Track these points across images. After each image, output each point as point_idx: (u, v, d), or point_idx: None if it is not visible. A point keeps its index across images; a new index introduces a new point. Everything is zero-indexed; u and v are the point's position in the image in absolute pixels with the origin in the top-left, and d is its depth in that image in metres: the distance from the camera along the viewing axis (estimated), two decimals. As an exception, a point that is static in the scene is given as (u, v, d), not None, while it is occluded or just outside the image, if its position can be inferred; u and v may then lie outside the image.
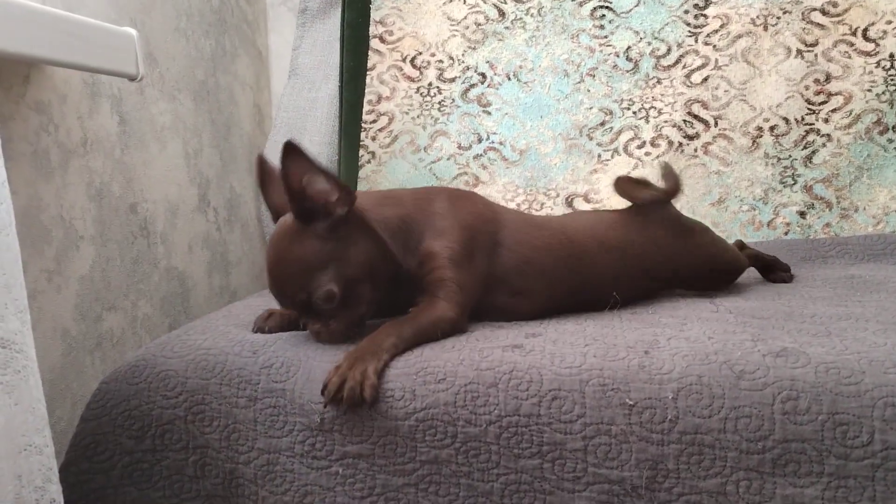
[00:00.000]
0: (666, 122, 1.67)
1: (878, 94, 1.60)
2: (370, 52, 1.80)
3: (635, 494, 0.82)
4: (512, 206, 1.72)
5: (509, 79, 1.76)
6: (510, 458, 0.84)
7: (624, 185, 1.25)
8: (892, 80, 1.60)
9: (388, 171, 1.76)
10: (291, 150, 0.88)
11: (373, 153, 1.78)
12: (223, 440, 0.91)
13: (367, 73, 1.80)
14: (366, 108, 1.80)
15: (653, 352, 0.88)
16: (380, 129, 1.79)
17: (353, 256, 0.94)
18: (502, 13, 1.78)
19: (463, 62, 1.78)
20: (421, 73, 1.79)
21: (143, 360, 0.97)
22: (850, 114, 1.61)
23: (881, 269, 1.39)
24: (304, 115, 1.88)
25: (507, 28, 1.77)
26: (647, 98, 1.69)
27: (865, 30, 1.63)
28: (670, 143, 1.67)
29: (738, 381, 0.82)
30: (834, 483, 0.78)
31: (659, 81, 1.69)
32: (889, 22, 1.62)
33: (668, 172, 1.26)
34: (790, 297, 1.18)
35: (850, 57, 1.63)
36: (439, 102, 1.77)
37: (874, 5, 1.63)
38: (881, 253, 1.49)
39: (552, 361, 0.88)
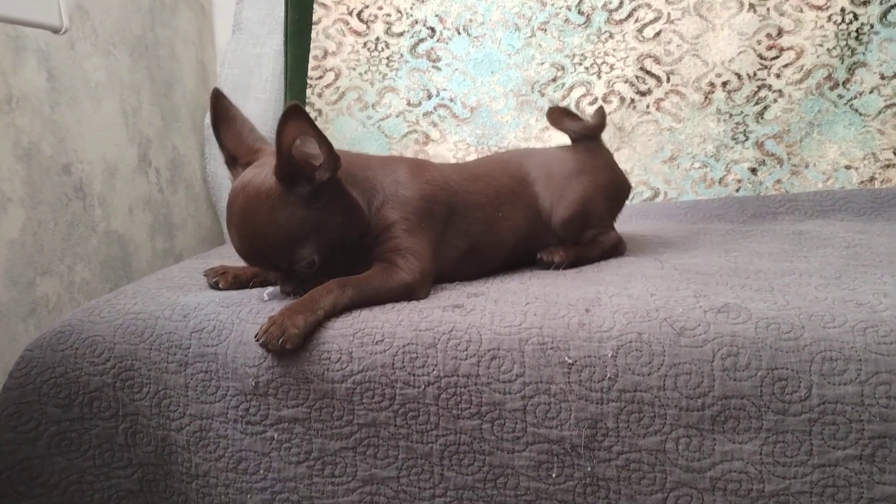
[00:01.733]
0: (618, 77, 1.65)
1: (828, 49, 1.59)
2: (315, 6, 1.74)
3: (575, 453, 0.80)
4: (463, 164, 1.69)
5: (459, 33, 1.71)
6: (449, 419, 0.82)
7: (556, 114, 1.24)
8: (842, 34, 1.59)
9: (335, 129, 1.71)
10: (295, 111, 0.84)
11: (319, 110, 1.73)
12: (154, 407, 0.88)
13: (313, 27, 1.74)
14: (311, 63, 1.74)
15: (594, 309, 0.87)
16: (326, 86, 1.74)
17: (333, 223, 0.91)
18: (452, -35, 1.72)
19: (411, 16, 1.72)
20: (368, 27, 1.74)
21: (69, 326, 0.93)
22: (802, 69, 1.60)
23: (829, 225, 1.39)
24: (250, 71, 1.81)
25: (456, -20, 1.72)
26: (599, 53, 1.66)
27: (815, -17, 1.61)
28: (622, 99, 1.64)
29: (678, 337, 0.81)
30: (772, 438, 0.78)
31: (611, 36, 1.66)
32: (841, -25, 1.60)
33: (597, 111, 1.24)
34: (737, 253, 1.17)
35: (801, 11, 1.61)
36: (387, 58, 1.72)
37: (826, -42, 1.62)
38: (830, 209, 1.50)
39: (492, 321, 0.85)
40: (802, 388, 0.78)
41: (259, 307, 0.91)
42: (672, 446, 0.80)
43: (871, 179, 1.53)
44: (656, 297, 0.89)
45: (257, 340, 0.83)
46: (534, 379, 0.81)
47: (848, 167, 1.56)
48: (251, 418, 0.85)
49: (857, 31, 1.59)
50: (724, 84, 1.62)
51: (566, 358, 0.81)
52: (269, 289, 0.97)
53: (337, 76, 1.74)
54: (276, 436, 0.85)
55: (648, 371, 0.80)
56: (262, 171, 0.89)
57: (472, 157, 1.68)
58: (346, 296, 0.89)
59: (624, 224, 1.48)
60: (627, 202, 1.61)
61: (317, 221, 0.90)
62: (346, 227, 0.93)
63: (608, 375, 0.80)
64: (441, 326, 0.85)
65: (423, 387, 0.83)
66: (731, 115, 1.61)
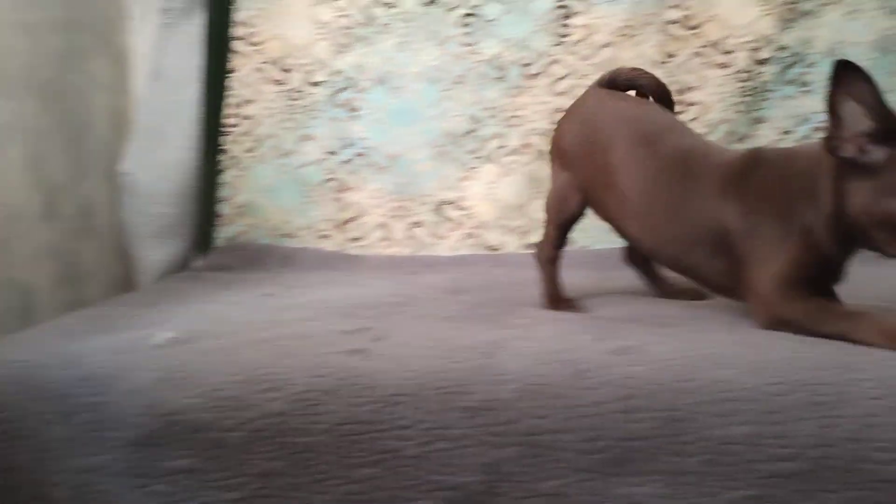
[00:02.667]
0: (532, 130, 1.68)
1: (731, 105, 1.66)
2: (233, 54, 1.74)
3: (474, 500, 0.79)
4: (380, 212, 1.69)
5: (378, 84, 1.73)
6: (345, 467, 0.80)
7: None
8: (743, 91, 1.66)
9: (251, 177, 1.70)
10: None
11: (235, 158, 1.72)
12: (34, 461, 0.83)
13: (230, 75, 1.73)
14: (229, 111, 1.73)
15: (497, 353, 0.86)
16: (243, 134, 1.72)
17: None
18: (371, 18, 1.74)
19: (331, 66, 1.74)
20: (287, 76, 1.74)
21: (-55, 376, 0.88)
22: (707, 123, 1.66)
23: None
24: (168, 118, 1.78)
25: (376, 33, 1.74)
26: (513, 106, 1.70)
27: (720, 43, 1.69)
28: (537, 151, 1.67)
29: (577, 380, 0.81)
30: (670, 480, 0.78)
31: (525, 90, 1.70)
32: (741, 36, 1.68)
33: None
34: (645, 299, 1.19)
35: (705, 68, 1.68)
36: (305, 106, 1.72)
37: (727, 19, 1.69)
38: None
39: (393, 365, 0.84)
40: (698, 430, 0.78)
41: (150, 353, 0.88)
42: (571, 490, 0.79)
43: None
44: (559, 340, 0.89)
45: None
46: (433, 425, 0.80)
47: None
48: (138, 471, 0.81)
49: (757, 88, 1.66)
50: (635, 137, 1.67)
51: (466, 402, 0.80)
52: (167, 334, 0.94)
53: (254, 124, 1.73)
54: (163, 489, 0.81)
55: (547, 414, 0.80)
56: None
57: (389, 207, 1.68)
58: None
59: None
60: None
61: None
62: None
63: (508, 419, 0.80)
64: (340, 373, 0.83)
65: (318, 435, 0.80)
66: (642, 167, 1.66)
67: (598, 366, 0.82)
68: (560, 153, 1.21)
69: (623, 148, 1.09)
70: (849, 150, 0.86)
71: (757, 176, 0.98)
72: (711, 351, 0.85)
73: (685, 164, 1.04)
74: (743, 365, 0.82)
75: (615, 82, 1.21)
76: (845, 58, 0.86)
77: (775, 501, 0.76)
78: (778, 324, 0.93)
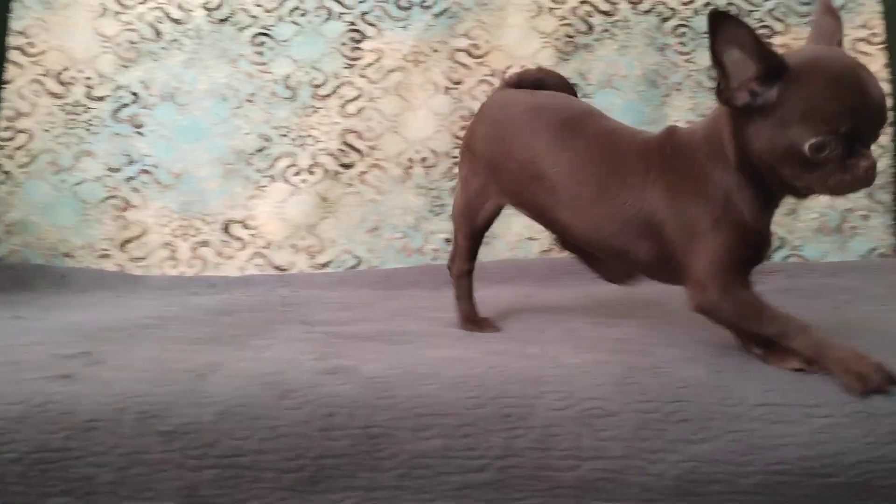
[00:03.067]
0: (322, 150, 1.70)
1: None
2: (8, 65, 1.66)
3: (169, 525, 0.78)
4: (164, 231, 1.65)
5: (164, 100, 1.69)
6: (35, 496, 0.78)
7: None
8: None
9: (25, 192, 1.63)
10: None
11: (8, 173, 1.63)
12: None
13: (4, 86, 1.65)
14: (2, 124, 1.64)
15: (210, 375, 0.86)
16: (17, 148, 1.65)
17: None
18: (158, 33, 1.71)
19: (114, 81, 1.69)
20: (67, 89, 1.67)
21: None
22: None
23: (505, 291, 1.49)
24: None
25: (163, 48, 1.71)
26: (304, 126, 1.71)
27: (504, 72, 1.77)
28: (326, 171, 1.69)
29: (280, 401, 0.82)
30: (366, 496, 0.80)
31: (316, 110, 1.72)
32: (523, 66, 1.77)
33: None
34: (404, 318, 1.23)
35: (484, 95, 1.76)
36: (86, 121, 1.67)
37: (511, 50, 1.78)
38: (514, 276, 1.61)
39: (95, 390, 0.82)
40: (394, 445, 0.81)
41: None
42: (269, 510, 0.80)
43: (549, 250, 1.67)
44: (276, 361, 0.90)
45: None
46: (129, 450, 0.79)
47: (531, 238, 1.70)
48: None
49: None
50: (423, 160, 1.72)
51: (165, 426, 0.80)
52: None
53: (29, 138, 1.65)
54: None
55: (247, 435, 0.80)
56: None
57: (173, 226, 1.65)
58: None
59: (327, 290, 1.52)
60: (332, 269, 1.66)
61: None
62: None
63: (206, 442, 0.80)
64: (35, 399, 0.81)
65: (7, 465, 0.77)
66: (429, 189, 1.71)
67: (304, 386, 0.84)
68: (472, 159, 1.17)
69: (546, 136, 1.06)
70: (741, 98, 0.87)
71: (672, 154, 0.97)
72: (419, 367, 0.88)
73: (609, 146, 1.02)
74: (442, 380, 0.86)
75: (521, 83, 1.18)
76: (717, 8, 0.90)
77: (467, 511, 0.81)
78: (710, 311, 0.93)
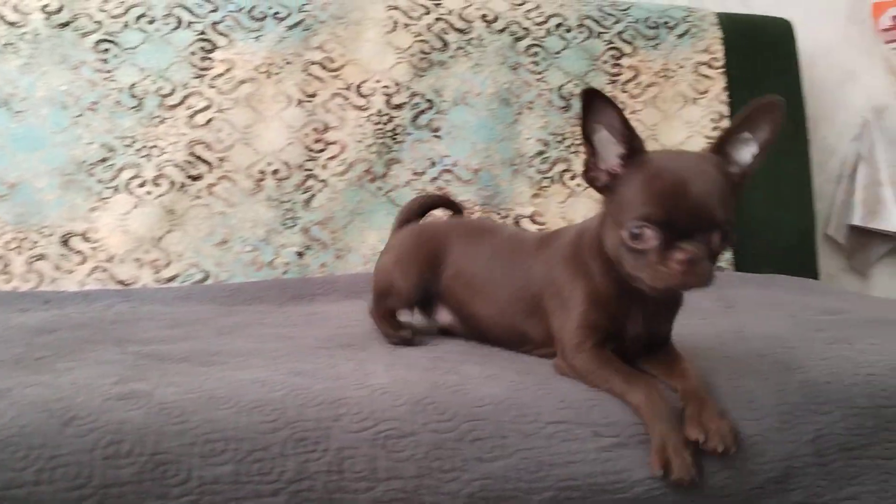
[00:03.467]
0: (168, 161, 1.66)
1: (368, 146, 1.75)
2: None
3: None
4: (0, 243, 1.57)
5: (-1, 106, 1.62)
6: None
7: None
8: (379, 133, 1.76)
9: None
10: None
11: None
12: None
13: None
14: None
15: (-4, 403, 0.82)
16: None
17: None
18: (-9, 35, 1.64)
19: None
20: None
21: None
22: (345, 162, 1.73)
23: (334, 306, 1.49)
24: None
25: (-3, 52, 1.63)
26: (150, 136, 1.66)
27: (359, 86, 1.78)
28: (172, 182, 1.65)
29: (63, 428, 0.80)
30: (154, 524, 0.79)
31: (163, 120, 1.67)
32: (378, 81, 1.78)
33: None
34: (230, 336, 1.20)
35: (345, 109, 1.76)
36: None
37: (366, 64, 1.79)
38: (364, 290, 1.61)
39: None
40: (183, 472, 0.80)
41: None
42: (48, 543, 0.77)
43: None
44: (72, 386, 0.87)
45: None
46: None
47: (385, 252, 1.71)
48: None
49: (392, 130, 1.77)
50: (275, 172, 1.70)
51: (-67, 459, 0.76)
52: None
53: None
54: None
55: (24, 466, 0.77)
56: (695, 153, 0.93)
57: (6, 238, 1.57)
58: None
59: (169, 306, 1.47)
60: (176, 284, 1.62)
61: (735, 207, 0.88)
62: None
63: (-20, 474, 0.76)
64: None
65: None
66: (280, 202, 1.69)
67: (91, 412, 0.81)
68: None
69: (459, 248, 1.16)
70: (602, 179, 0.90)
71: (561, 238, 1.05)
72: (217, 391, 0.87)
73: (513, 242, 1.14)
74: (239, 405, 0.85)
75: (410, 215, 1.33)
76: (590, 87, 0.90)
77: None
78: (570, 372, 0.96)
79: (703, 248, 0.84)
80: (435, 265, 1.17)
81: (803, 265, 2.00)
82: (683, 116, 1.94)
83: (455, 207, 1.40)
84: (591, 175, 0.91)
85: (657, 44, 1.96)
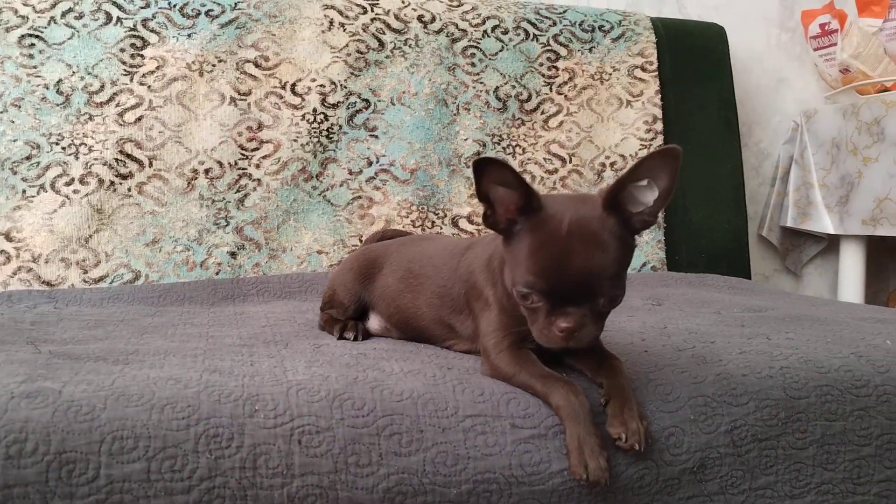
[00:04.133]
0: (97, 159, 1.62)
1: (303, 145, 1.73)
2: None
3: None
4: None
5: (-85, 102, 1.57)
6: None
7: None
8: (314, 132, 1.75)
9: None
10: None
11: None
12: None
13: None
14: None
15: None
16: None
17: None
18: None
19: None
20: None
21: None
22: (279, 161, 1.72)
23: (265, 306, 1.48)
24: None
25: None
26: (77, 134, 1.63)
27: (294, 84, 1.76)
28: (101, 181, 1.61)
29: (-37, 428, 0.77)
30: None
31: (91, 118, 1.64)
32: (313, 80, 1.77)
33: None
34: (152, 335, 1.18)
35: (279, 108, 1.74)
36: None
37: (301, 63, 1.78)
38: (297, 290, 1.60)
39: None
40: (91, 470, 0.78)
41: None
42: (-56, 547, 0.74)
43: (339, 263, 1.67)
44: (-23, 386, 0.85)
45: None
46: None
47: (320, 252, 1.70)
48: None
49: (328, 129, 1.76)
50: (207, 171, 1.68)
51: None
52: None
53: None
54: None
55: (-83, 468, 0.75)
56: (587, 205, 0.90)
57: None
58: None
59: (96, 307, 1.44)
60: (105, 285, 1.58)
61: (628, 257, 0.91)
62: None
63: None
64: None
65: None
66: (213, 201, 1.67)
67: (-7, 412, 0.79)
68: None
69: (394, 257, 1.23)
70: (502, 223, 0.92)
71: (482, 243, 1.10)
72: (129, 388, 0.85)
73: (449, 246, 1.18)
74: (151, 402, 0.83)
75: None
76: (481, 156, 0.93)
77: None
78: (493, 373, 0.97)
79: (587, 312, 0.87)
80: (369, 278, 1.23)
81: (736, 266, 2.04)
82: (618, 118, 1.97)
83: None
84: (490, 221, 0.93)
85: (592, 47, 1.98)
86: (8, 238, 1.56)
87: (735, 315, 1.39)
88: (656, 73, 2.00)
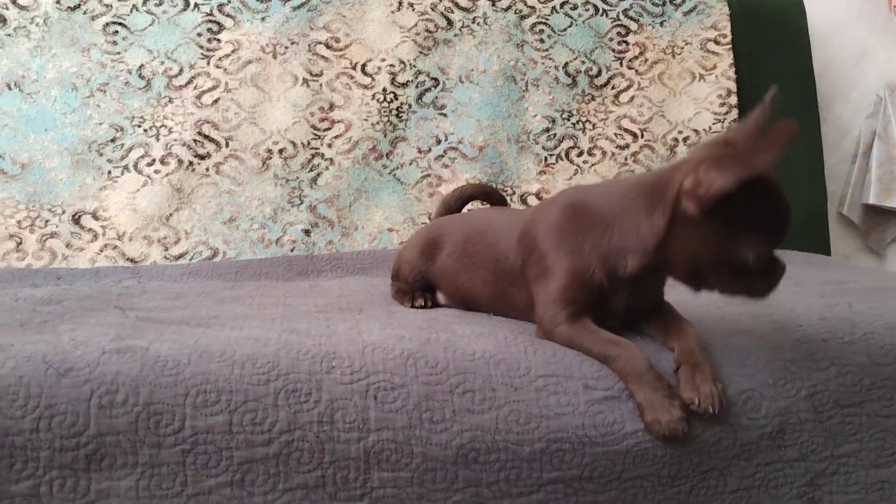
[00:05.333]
0: (176, 140, 1.68)
1: (373, 124, 1.76)
2: None
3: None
4: (10, 223, 1.60)
5: (10, 89, 1.64)
6: None
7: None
8: (384, 111, 1.77)
9: None
10: None
11: None
12: None
13: None
14: None
15: (7, 362, 0.84)
16: None
17: None
18: (4, 19, 1.66)
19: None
20: None
21: None
22: (350, 140, 1.74)
23: (357, 281, 1.50)
24: None
25: (8, 35, 1.66)
26: (158, 116, 1.69)
27: (364, 65, 1.79)
28: (180, 161, 1.67)
29: (60, 379, 0.81)
30: (148, 472, 0.80)
31: (171, 101, 1.70)
32: (383, 59, 1.79)
33: None
34: (231, 304, 1.22)
35: (350, 88, 1.77)
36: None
37: (371, 43, 1.80)
38: (370, 266, 1.62)
39: None
40: (176, 421, 0.81)
41: None
42: (46, 489, 0.79)
43: (406, 240, 1.69)
44: (70, 343, 0.89)
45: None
46: None
47: (391, 230, 1.72)
48: None
49: (397, 109, 1.78)
50: (281, 151, 1.72)
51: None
52: None
53: None
54: None
55: (22, 414, 0.79)
56: None
57: (19, 217, 1.60)
58: None
59: (176, 282, 1.49)
60: (185, 262, 1.64)
61: None
62: None
63: (-23, 423, 0.78)
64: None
65: None
66: (287, 181, 1.71)
67: (87, 364, 0.83)
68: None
69: (456, 232, 1.22)
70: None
71: (548, 207, 1.05)
72: (212, 346, 0.89)
73: (502, 219, 1.17)
74: (232, 358, 0.86)
75: (448, 209, 1.42)
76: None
77: (252, 486, 0.81)
78: (550, 338, 0.97)
79: None
80: (431, 258, 1.23)
81: (816, 245, 1.97)
82: (691, 93, 1.93)
83: (494, 198, 1.45)
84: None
85: (663, 21, 1.95)
86: (95, 217, 1.63)
87: (814, 286, 1.35)
88: (730, 46, 1.95)
